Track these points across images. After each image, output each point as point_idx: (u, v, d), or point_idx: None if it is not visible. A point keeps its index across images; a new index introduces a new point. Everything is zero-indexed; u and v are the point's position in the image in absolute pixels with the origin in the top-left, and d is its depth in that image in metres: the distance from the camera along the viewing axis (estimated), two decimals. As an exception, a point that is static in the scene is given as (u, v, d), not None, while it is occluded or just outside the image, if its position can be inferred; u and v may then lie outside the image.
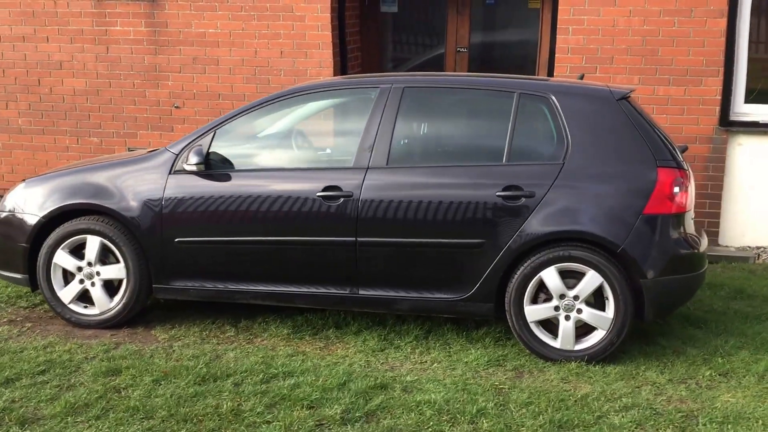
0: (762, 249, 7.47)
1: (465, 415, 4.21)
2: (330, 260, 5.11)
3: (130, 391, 4.40)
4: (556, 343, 4.95)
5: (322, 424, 4.09)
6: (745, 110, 7.50)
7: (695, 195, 7.30)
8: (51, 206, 5.35)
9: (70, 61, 8.35)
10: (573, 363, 4.88)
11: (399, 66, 9.19)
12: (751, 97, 7.52)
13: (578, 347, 4.93)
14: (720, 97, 7.36)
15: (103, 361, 4.79)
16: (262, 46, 7.95)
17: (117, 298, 5.35)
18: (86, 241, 5.30)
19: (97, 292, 5.36)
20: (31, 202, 5.42)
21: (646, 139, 4.94)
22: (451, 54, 8.69)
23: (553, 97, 5.05)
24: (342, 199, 5.01)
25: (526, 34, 8.62)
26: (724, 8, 7.21)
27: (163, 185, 5.22)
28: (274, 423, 4.06)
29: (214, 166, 5.24)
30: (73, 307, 5.40)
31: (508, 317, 4.99)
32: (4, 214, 5.51)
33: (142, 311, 5.56)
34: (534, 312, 4.94)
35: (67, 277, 5.41)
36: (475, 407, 4.27)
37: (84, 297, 5.41)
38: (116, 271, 5.31)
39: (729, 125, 7.44)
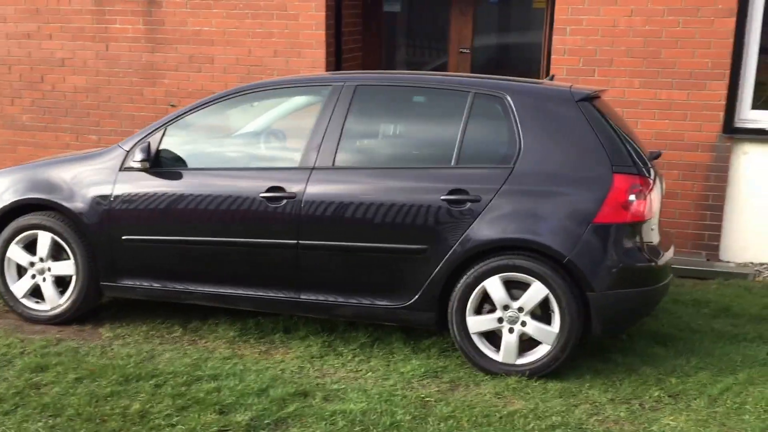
0: (764, 266, 7.08)
1: (378, 427, 4.04)
2: (272, 263, 4.99)
3: (48, 388, 4.36)
4: (498, 357, 4.74)
5: (227, 430, 3.97)
6: (751, 116, 7.13)
7: (696, 205, 7.07)
8: (5, 201, 5.37)
9: (72, 59, 8.44)
10: (513, 378, 4.67)
11: (400, 67, 9.03)
12: (759, 102, 7.14)
13: (521, 361, 4.72)
14: (725, 102, 7.01)
15: (36, 357, 4.76)
16: (256, 44, 7.90)
17: (66, 294, 5.33)
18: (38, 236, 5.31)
19: (47, 288, 5.36)
20: (-5, 195, 5.45)
21: (603, 143, 4.68)
22: (453, 55, 8.50)
23: (509, 98, 4.84)
24: (285, 201, 4.90)
25: (531, 35, 8.38)
26: (734, 7, 6.85)
27: (112, 182, 5.19)
28: (177, 427, 3.97)
29: (165, 164, 5.18)
30: (25, 301, 5.41)
31: (450, 328, 4.80)
32: (-37, 209, 5.56)
33: (97, 309, 5.55)
34: (476, 323, 4.75)
35: (21, 271, 5.42)
36: (390, 420, 4.10)
37: (38, 292, 5.42)
38: (66, 267, 5.30)
39: (733, 132, 7.08)
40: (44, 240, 5.30)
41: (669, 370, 4.87)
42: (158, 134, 5.18)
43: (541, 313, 4.68)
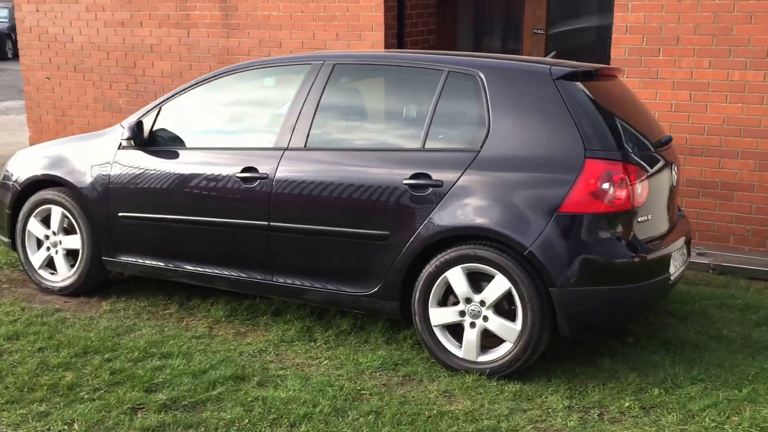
0: None
1: (290, 416, 3.89)
2: (247, 244, 4.93)
3: (7, 356, 4.53)
4: (460, 352, 4.43)
5: (139, 408, 3.96)
6: (843, 101, 6.26)
7: None
8: (24, 176, 5.66)
9: (159, 45, 8.78)
10: (472, 376, 4.35)
11: (472, 49, 8.67)
12: None
13: (482, 359, 4.38)
14: (810, 85, 6.19)
15: (19, 325, 4.95)
16: (319, 28, 7.87)
17: (75, 267, 5.55)
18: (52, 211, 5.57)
19: (59, 261, 5.60)
20: (16, 171, 5.75)
21: (579, 125, 4.24)
22: (528, 35, 8.05)
23: (482, 75, 4.50)
24: (258, 181, 4.83)
25: (608, 14, 7.74)
26: (820, -24, 6.04)
27: (111, 160, 5.33)
28: (96, 402, 3.97)
29: (159, 143, 5.26)
30: (41, 272, 5.68)
31: (413, 319, 4.55)
32: (1, 181, 5.91)
33: (113, 282, 5.73)
34: (438, 315, 4.46)
35: (40, 244, 5.70)
36: (306, 410, 3.93)
37: (53, 264, 5.67)
38: (75, 241, 5.51)
39: (820, 118, 6.24)
40: (56, 215, 5.53)
41: (659, 380, 4.37)
42: (153, 113, 5.27)
43: (508, 308, 4.33)
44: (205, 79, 5.24)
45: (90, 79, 9.31)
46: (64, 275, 5.59)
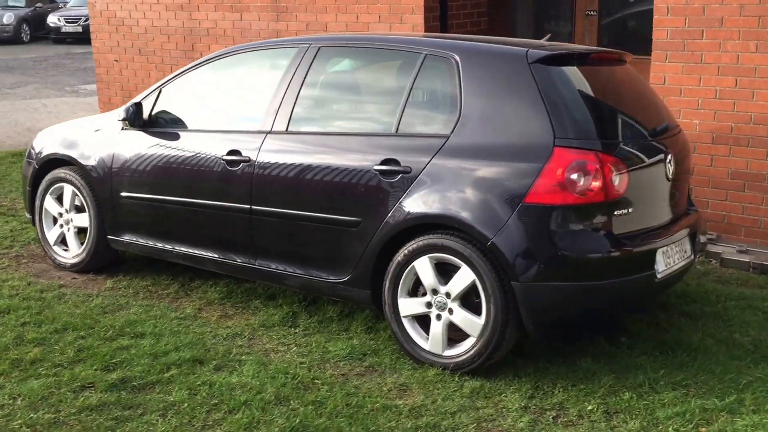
0: None
1: (230, 402, 3.83)
2: (232, 227, 4.90)
3: (-12, 330, 4.68)
4: (427, 345, 4.27)
5: (89, 386, 3.99)
6: None
7: None
8: (43, 154, 5.83)
9: (214, 28, 8.89)
10: (435, 370, 4.18)
11: (524, 34, 8.34)
12: None
13: (448, 353, 4.21)
14: None
15: (16, 299, 5.09)
16: (362, 11, 7.76)
17: (83, 245, 5.69)
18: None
19: (70, 238, 5.75)
20: (37, 149, 5.92)
21: (550, 112, 3.98)
22: (580, 18, 7.68)
23: (457, 58, 4.30)
24: (241, 164, 4.79)
25: (664, -5, 7.28)
26: None
27: (115, 140, 5.42)
28: (51, 378, 4.02)
29: (158, 125, 5.30)
30: (56, 248, 5.84)
31: (383, 308, 4.41)
32: (25, 159, 6.12)
33: (128, 261, 5.85)
34: (407, 306, 4.31)
35: (55, 221, 5.87)
36: (248, 397, 3.87)
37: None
38: (84, 219, 5.64)
39: None
40: (68, 193, 5.67)
41: (636, 384, 4.08)
42: (154, 95, 5.31)
43: (474, 302, 4.13)
44: (202, 62, 5.25)
45: (153, 62, 9.54)
46: (75, 252, 5.73)
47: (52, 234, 5.84)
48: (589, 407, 3.86)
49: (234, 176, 4.81)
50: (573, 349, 4.44)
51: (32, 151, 5.98)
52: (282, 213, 4.67)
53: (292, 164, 4.61)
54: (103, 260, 5.69)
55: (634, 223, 4.15)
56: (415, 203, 4.19)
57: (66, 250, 5.81)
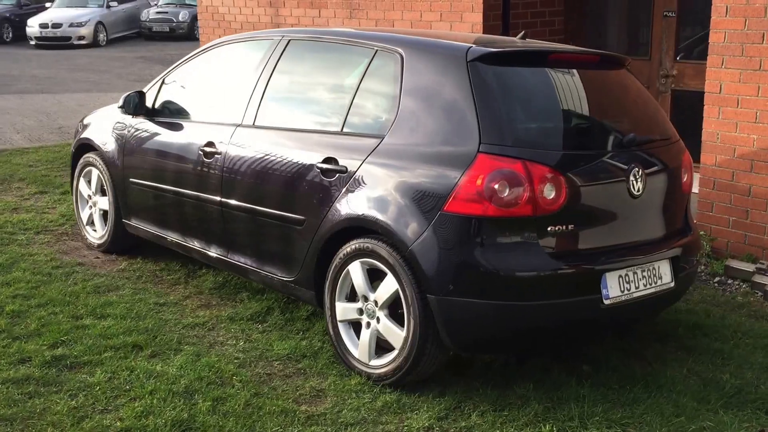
0: None
1: (140, 389, 3.88)
2: (209, 218, 4.97)
3: (-21, 299, 4.98)
4: (357, 353, 4.14)
5: (24, 361, 4.16)
6: None
7: None
8: (77, 138, 6.16)
9: (297, 24, 9.01)
10: (359, 379, 4.05)
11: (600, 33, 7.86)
12: None
13: (374, 362, 4.06)
14: None
15: (27, 272, 5.40)
16: (426, 8, 7.61)
17: (105, 227, 5.96)
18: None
19: (96, 220, 6.03)
20: (78, 133, 6.27)
21: (480, 115, 3.74)
22: (658, 18, 7.15)
23: (403, 55, 4.13)
24: (214, 156, 4.85)
25: (746, -4, 6.62)
26: None
27: (127, 127, 5.63)
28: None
29: (165, 114, 5.44)
30: (87, 228, 6.15)
31: (324, 311, 4.32)
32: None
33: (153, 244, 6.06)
34: (342, 310, 4.20)
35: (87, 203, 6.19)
36: (154, 386, 3.91)
37: (98, 222, 6.14)
38: (105, 202, 5.91)
39: None
40: (94, 177, 5.97)
41: (562, 417, 3.76)
42: (157, 85, 5.49)
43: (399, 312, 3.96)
44: (198, 52, 5.39)
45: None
46: (100, 233, 6.01)
47: (84, 214, 6.16)
48: (547, 428, 3.61)
49: (209, 167, 4.87)
50: (519, 371, 4.17)
51: (77, 136, 6.33)
52: (244, 207, 4.68)
53: (253, 158, 4.62)
54: (123, 243, 5.91)
55: (578, 241, 3.83)
56: (347, 205, 4.07)
57: (95, 231, 6.10)
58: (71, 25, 22.33)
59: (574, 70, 4.14)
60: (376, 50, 4.26)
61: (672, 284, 4.19)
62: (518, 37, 4.49)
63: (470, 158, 3.68)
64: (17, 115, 11.71)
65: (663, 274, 4.13)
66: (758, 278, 5.56)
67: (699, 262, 5.34)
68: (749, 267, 5.65)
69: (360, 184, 4.03)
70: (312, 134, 4.43)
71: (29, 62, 18.68)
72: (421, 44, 4.19)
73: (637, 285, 3.98)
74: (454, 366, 4.18)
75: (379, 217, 3.91)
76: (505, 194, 3.62)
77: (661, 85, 7.19)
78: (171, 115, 5.39)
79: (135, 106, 5.42)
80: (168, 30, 23.77)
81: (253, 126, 4.70)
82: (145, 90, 5.53)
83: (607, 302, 3.84)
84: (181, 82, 5.41)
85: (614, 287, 3.87)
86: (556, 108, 3.97)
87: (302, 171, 4.32)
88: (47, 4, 24.54)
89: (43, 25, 22.28)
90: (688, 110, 6.83)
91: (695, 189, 6.20)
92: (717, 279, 5.69)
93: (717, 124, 5.84)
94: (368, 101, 4.26)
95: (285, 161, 4.43)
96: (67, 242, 6.24)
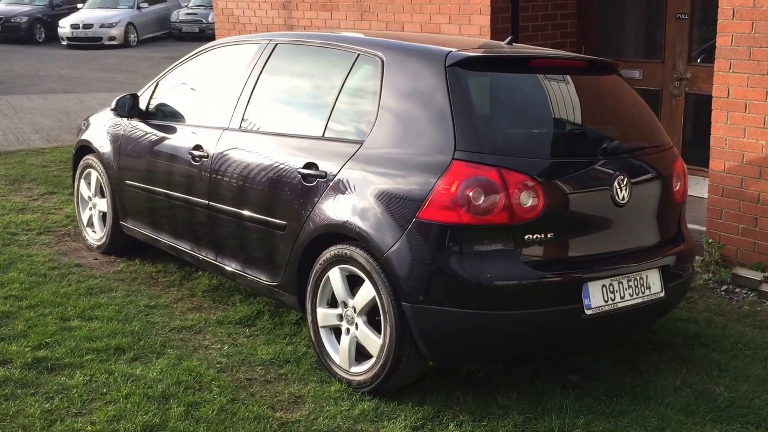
0: None
1: (116, 393, 3.86)
2: (198, 222, 4.95)
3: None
4: (338, 359, 4.09)
5: (6, 362, 4.14)
6: None
7: None
8: (77, 140, 6.19)
9: (309, 26, 8.97)
10: (340, 385, 4.00)
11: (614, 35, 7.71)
12: None
13: (354, 369, 4.00)
14: None
15: (22, 273, 5.41)
16: (435, 11, 7.54)
17: (104, 228, 5.97)
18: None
19: (96, 221, 6.05)
20: (79, 135, 6.29)
21: (456, 121, 3.66)
22: (671, 21, 7.01)
23: (384, 59, 4.07)
24: (201, 160, 4.83)
25: (759, -2, 6.46)
26: None
27: (122, 130, 5.64)
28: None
29: (158, 116, 5.43)
30: (87, 230, 6.17)
31: (305, 316, 4.28)
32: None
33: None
34: (323, 316, 4.15)
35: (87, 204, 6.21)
36: (129, 390, 3.88)
37: (99, 223, 6.15)
38: (104, 204, 5.93)
39: None
40: (93, 178, 5.98)
41: (546, 428, 3.68)
42: (152, 88, 5.49)
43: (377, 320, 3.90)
44: (191, 56, 5.36)
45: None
46: (99, 235, 6.03)
47: (84, 216, 6.18)
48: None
49: (197, 171, 4.86)
50: (504, 380, 4.09)
51: (78, 134, 6.36)
52: (230, 211, 4.65)
53: (238, 162, 4.59)
54: (121, 244, 5.91)
55: (558, 250, 3.74)
56: (326, 211, 4.02)
57: (95, 232, 6.12)
58: (102, 26, 22.60)
59: (561, 76, 4.05)
60: (358, 54, 4.21)
61: (662, 294, 4.08)
62: (505, 42, 4.41)
63: (445, 165, 3.61)
64: (38, 115, 11.84)
65: (652, 283, 4.03)
66: (766, 287, 5.41)
67: (695, 271, 5.20)
68: (757, 276, 5.50)
69: (339, 190, 3.98)
70: (294, 139, 4.38)
71: (58, 62, 18.93)
72: (401, 48, 4.14)
73: (622, 295, 3.88)
74: (436, 374, 4.11)
75: (356, 223, 3.85)
76: (480, 202, 3.54)
77: (675, 88, 7.04)
78: (164, 117, 5.38)
79: (128, 108, 5.42)
80: (197, 31, 23.96)
81: (239, 130, 4.67)
82: (139, 93, 5.53)
83: (588, 312, 3.74)
84: (173, 85, 5.41)
85: (597, 297, 3.78)
86: (537, 115, 3.89)
87: (284, 176, 4.28)
88: (79, 5, 24.87)
89: (75, 26, 22.58)
90: (703, 114, 6.67)
91: (704, 195, 6.09)
92: (724, 287, 5.55)
93: (725, 129, 5.70)
94: (349, 106, 4.21)
95: (268, 166, 4.40)
96: (68, 243, 6.25)
